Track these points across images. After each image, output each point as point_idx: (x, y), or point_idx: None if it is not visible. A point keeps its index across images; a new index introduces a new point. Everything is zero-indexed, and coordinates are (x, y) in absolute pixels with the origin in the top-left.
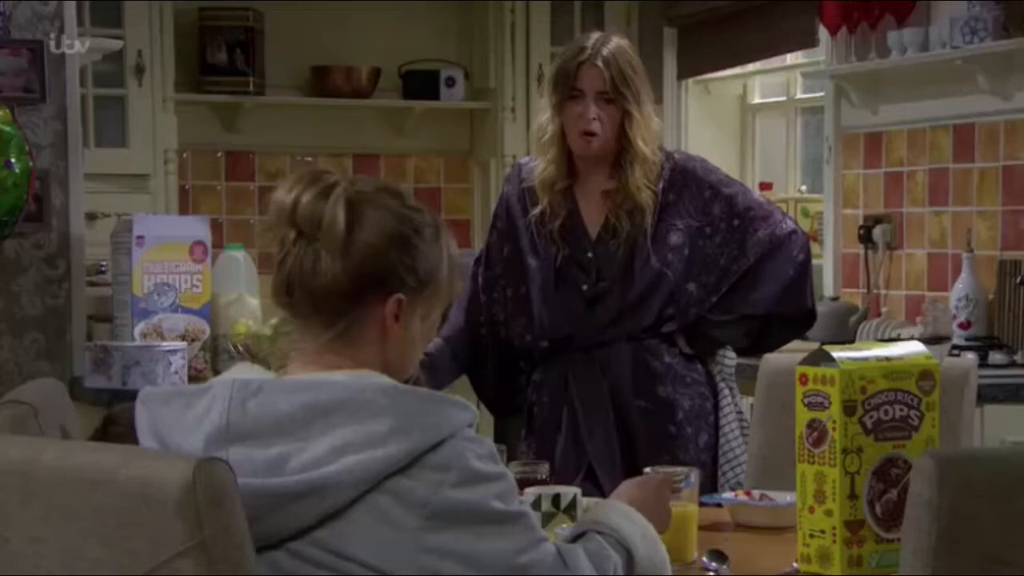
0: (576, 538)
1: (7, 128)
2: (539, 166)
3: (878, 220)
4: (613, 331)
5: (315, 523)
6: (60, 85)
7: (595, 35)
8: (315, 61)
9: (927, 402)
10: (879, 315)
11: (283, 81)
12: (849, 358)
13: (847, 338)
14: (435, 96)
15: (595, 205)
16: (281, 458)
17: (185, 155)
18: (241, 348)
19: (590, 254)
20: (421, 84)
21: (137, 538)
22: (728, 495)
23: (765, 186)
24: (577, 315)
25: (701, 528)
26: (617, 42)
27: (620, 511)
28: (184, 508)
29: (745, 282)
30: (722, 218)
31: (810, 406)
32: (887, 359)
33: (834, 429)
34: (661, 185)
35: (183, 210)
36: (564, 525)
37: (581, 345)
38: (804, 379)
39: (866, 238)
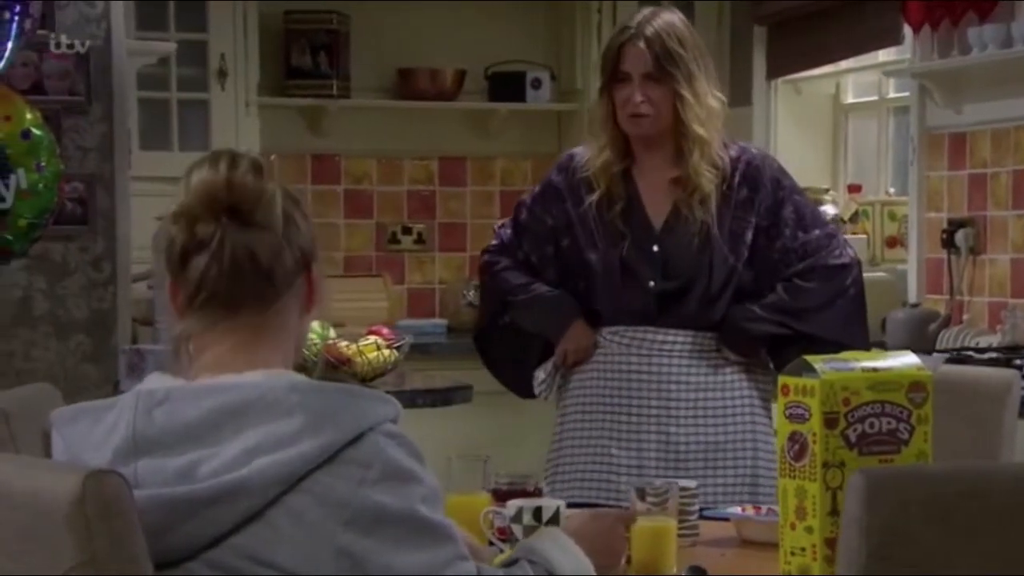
0: (510, 565)
1: (38, 131)
2: (593, 152)
3: (961, 224)
4: (681, 328)
5: (232, 529)
6: (107, 88)
7: (644, 12)
8: (400, 63)
9: (918, 415)
10: (961, 322)
11: (368, 84)
12: (832, 368)
13: (927, 346)
14: (521, 98)
15: (660, 193)
16: (191, 465)
17: (272, 158)
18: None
19: (656, 247)
20: (507, 86)
21: (35, 552)
22: (734, 509)
23: (854, 188)
24: (645, 313)
25: (704, 543)
26: (665, 18)
27: (556, 540)
28: (73, 521)
29: (794, 297)
30: (787, 224)
31: (791, 418)
32: (873, 370)
33: (814, 442)
34: (736, 179)
35: None
36: None
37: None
38: (786, 390)
39: (949, 242)
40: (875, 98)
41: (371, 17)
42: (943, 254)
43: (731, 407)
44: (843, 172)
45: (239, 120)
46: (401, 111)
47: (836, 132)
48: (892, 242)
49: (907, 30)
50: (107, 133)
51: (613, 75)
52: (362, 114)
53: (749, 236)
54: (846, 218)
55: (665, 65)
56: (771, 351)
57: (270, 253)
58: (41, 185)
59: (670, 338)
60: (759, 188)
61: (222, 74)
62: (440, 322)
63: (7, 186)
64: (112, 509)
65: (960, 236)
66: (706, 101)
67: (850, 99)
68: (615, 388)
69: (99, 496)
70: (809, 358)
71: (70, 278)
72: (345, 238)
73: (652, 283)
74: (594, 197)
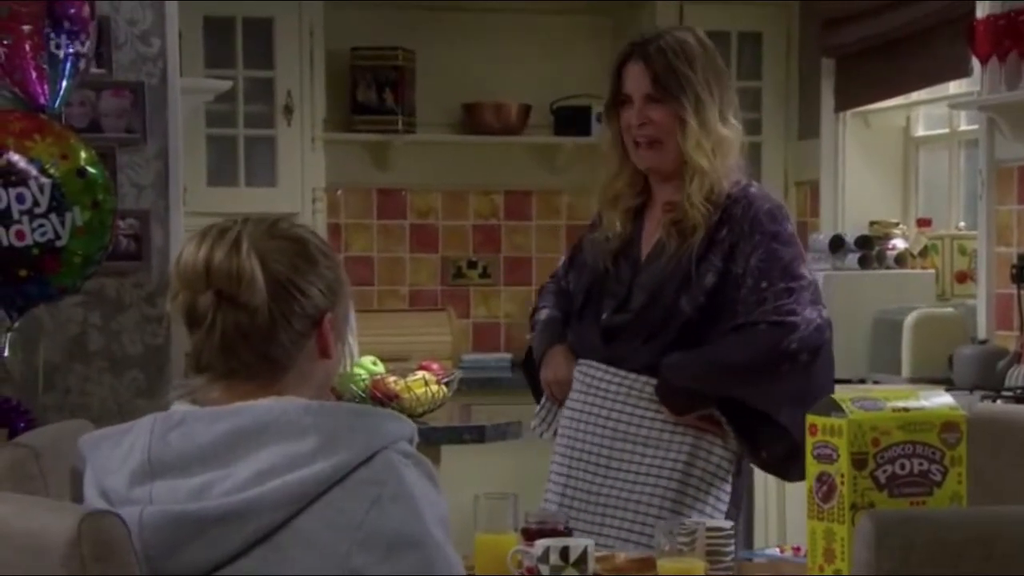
0: None
1: (93, 169)
2: (605, 181)
3: None
4: (620, 367)
5: (241, 551)
6: (162, 125)
7: (656, 29)
8: (465, 98)
9: (952, 456)
10: None
11: (433, 119)
12: (860, 408)
13: (994, 384)
14: (587, 132)
15: (655, 224)
16: (205, 486)
17: (339, 193)
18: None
19: (627, 281)
20: (572, 120)
21: None
22: (772, 551)
23: (924, 222)
24: (593, 347)
25: None
26: (676, 36)
27: None
28: (68, 563)
29: (716, 351)
30: (752, 274)
31: (819, 458)
32: (904, 409)
33: (842, 483)
34: (716, 217)
35: (334, 248)
36: None
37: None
38: (814, 429)
39: (1019, 277)
40: (946, 131)
41: (436, 53)
42: (1013, 289)
43: (658, 466)
44: (913, 206)
45: (305, 156)
46: (466, 145)
47: (906, 165)
48: (962, 277)
49: (976, 62)
50: (162, 170)
51: (615, 97)
52: (427, 149)
53: (710, 280)
54: (915, 252)
55: (665, 85)
56: (730, 420)
57: (261, 335)
58: (96, 222)
59: (608, 376)
60: (733, 230)
61: (288, 110)
62: (505, 356)
63: (63, 223)
64: (108, 550)
65: None
66: (715, 129)
67: (920, 132)
68: (564, 427)
69: (95, 537)
70: (837, 396)
71: (124, 314)
72: (410, 272)
73: (604, 315)
74: (593, 235)
